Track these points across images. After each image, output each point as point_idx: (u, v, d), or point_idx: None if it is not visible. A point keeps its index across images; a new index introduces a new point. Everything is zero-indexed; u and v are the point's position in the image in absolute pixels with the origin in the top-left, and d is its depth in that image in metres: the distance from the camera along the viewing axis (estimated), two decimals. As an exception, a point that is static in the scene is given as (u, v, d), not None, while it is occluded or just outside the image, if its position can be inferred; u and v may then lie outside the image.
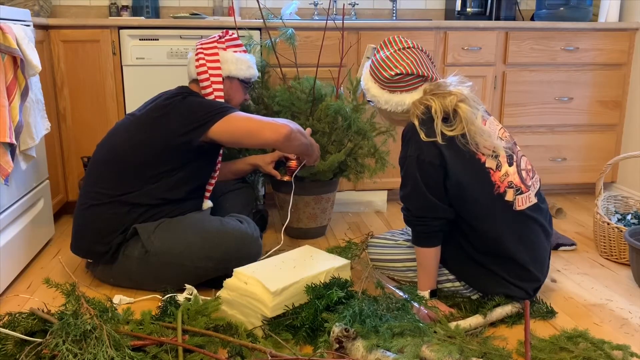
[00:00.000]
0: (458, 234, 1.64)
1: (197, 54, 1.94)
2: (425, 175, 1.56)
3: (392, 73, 1.62)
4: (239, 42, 2.03)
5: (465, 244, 1.64)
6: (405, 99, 1.63)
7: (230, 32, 2.02)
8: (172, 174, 1.79)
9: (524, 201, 1.61)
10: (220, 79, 1.93)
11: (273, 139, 1.77)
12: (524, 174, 1.63)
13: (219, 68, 1.93)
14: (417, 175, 1.56)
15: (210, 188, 1.98)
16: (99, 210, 1.78)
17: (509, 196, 1.58)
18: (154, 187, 1.78)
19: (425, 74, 1.62)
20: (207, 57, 1.93)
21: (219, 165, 1.97)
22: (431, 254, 1.63)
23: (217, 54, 1.95)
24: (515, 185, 1.59)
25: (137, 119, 1.84)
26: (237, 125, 1.77)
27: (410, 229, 1.70)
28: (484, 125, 1.58)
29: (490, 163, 1.58)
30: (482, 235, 1.60)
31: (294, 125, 1.83)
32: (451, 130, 1.55)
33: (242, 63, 1.98)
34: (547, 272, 1.71)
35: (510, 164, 1.60)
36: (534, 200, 1.63)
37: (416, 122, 1.58)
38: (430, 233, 1.61)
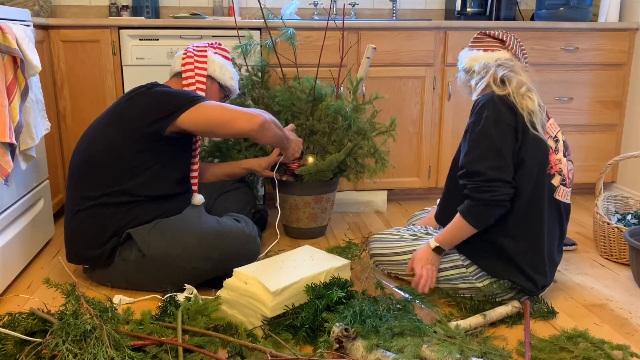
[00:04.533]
0: None
1: (186, 51, 1.97)
2: (501, 136, 1.58)
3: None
4: (228, 55, 2.07)
5: (495, 226, 1.64)
6: (479, 56, 1.74)
7: (223, 45, 2.07)
8: (147, 167, 1.75)
9: (564, 194, 1.68)
10: (204, 73, 1.94)
11: (247, 129, 1.75)
12: (568, 172, 1.71)
13: (205, 62, 1.95)
14: (493, 135, 1.58)
15: (195, 181, 1.95)
16: (85, 214, 1.76)
17: (556, 181, 1.66)
18: (133, 184, 1.74)
19: (506, 42, 1.74)
20: (196, 53, 1.97)
21: (198, 151, 1.94)
22: (469, 231, 1.63)
23: (206, 52, 1.98)
24: (563, 175, 1.67)
25: (104, 117, 1.82)
26: (209, 114, 1.73)
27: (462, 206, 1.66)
28: (546, 119, 1.70)
29: (550, 143, 1.67)
30: (520, 211, 1.62)
31: (268, 115, 1.82)
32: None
33: (227, 70, 2.00)
34: (553, 278, 1.75)
35: (564, 156, 1.70)
36: (569, 201, 1.71)
37: (494, 86, 1.65)
38: (496, 201, 1.58)
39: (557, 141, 1.69)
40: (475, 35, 1.81)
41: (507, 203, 1.59)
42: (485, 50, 1.74)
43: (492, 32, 1.77)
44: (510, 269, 1.65)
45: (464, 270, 1.70)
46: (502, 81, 1.65)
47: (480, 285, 1.69)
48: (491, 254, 1.66)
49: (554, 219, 1.68)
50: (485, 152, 1.58)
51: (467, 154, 1.62)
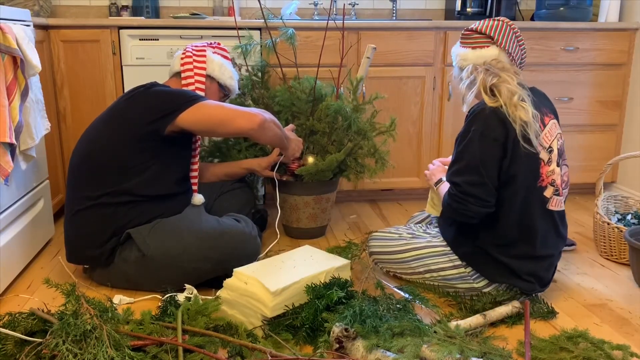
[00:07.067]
0: (479, 227, 1.65)
1: (185, 51, 1.97)
2: (485, 152, 1.56)
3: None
4: (228, 54, 2.07)
5: (485, 237, 1.65)
6: (469, 55, 1.67)
7: (223, 45, 2.07)
8: (146, 167, 1.75)
9: (557, 204, 1.67)
10: (203, 73, 1.94)
11: (247, 128, 1.74)
12: (562, 179, 1.69)
13: (204, 62, 1.95)
14: (477, 150, 1.57)
15: (195, 181, 1.95)
16: (85, 214, 1.76)
17: (548, 193, 1.65)
18: (133, 184, 1.73)
19: (494, 37, 1.65)
20: (195, 53, 1.97)
21: (197, 151, 1.94)
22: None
23: (204, 52, 1.98)
24: (556, 185, 1.65)
25: (103, 117, 1.82)
26: (208, 113, 1.73)
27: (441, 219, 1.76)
28: (541, 128, 1.62)
29: (543, 155, 1.62)
30: (509, 224, 1.62)
31: (268, 115, 1.82)
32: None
33: (226, 70, 2.01)
34: (552, 279, 1.76)
35: (558, 165, 1.67)
36: (563, 207, 1.70)
37: (485, 96, 1.60)
38: (464, 215, 1.61)
39: (550, 151, 1.63)
40: (464, 31, 1.72)
41: (473, 220, 1.62)
42: (473, 48, 1.67)
43: (480, 26, 1.68)
44: (505, 274, 1.66)
45: (462, 270, 1.70)
46: (492, 90, 1.60)
47: (478, 285, 1.69)
48: (485, 260, 1.67)
49: (548, 228, 1.66)
50: (466, 167, 1.59)
51: (452, 164, 1.66)
